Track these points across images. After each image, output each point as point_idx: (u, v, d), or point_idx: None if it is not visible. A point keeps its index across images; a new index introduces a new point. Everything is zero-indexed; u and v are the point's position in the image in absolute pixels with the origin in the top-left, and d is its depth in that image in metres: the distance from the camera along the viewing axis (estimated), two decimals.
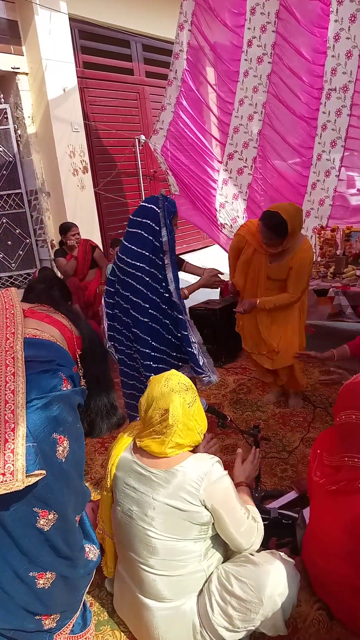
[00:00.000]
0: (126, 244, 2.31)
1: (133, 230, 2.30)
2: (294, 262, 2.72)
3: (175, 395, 1.47)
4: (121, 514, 1.54)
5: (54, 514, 1.19)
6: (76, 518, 1.34)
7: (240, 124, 4.42)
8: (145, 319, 2.27)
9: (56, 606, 1.29)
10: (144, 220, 2.27)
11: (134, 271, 2.26)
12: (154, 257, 2.25)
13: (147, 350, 2.29)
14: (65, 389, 1.24)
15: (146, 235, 2.25)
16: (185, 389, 1.50)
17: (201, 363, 2.31)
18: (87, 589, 1.45)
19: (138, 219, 2.29)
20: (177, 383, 1.50)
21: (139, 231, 2.27)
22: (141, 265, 2.25)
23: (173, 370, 1.61)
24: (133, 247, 2.28)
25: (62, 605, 1.32)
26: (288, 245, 2.71)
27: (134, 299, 2.28)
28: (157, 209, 2.25)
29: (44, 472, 1.11)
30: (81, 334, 1.48)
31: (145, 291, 2.26)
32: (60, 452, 1.19)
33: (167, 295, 2.28)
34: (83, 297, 4.63)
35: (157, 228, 2.24)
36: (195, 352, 2.29)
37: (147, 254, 2.25)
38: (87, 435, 1.47)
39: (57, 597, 1.27)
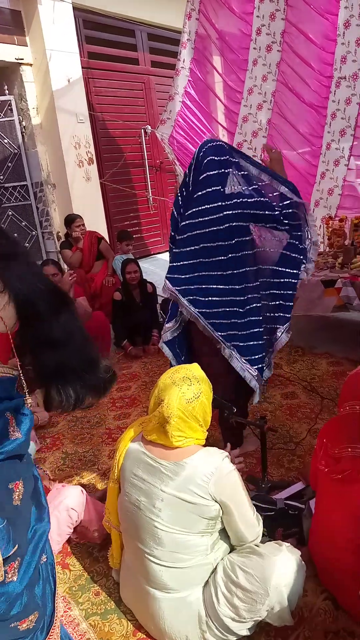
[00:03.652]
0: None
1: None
2: None
3: (175, 388, 1.45)
4: (128, 504, 1.53)
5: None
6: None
7: (249, 113, 4.37)
8: None
9: None
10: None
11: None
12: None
13: None
14: None
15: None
16: (189, 384, 1.46)
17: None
18: None
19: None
20: (182, 377, 1.48)
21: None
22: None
23: (194, 364, 1.57)
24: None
25: None
26: None
27: None
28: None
29: None
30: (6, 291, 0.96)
31: None
32: None
33: None
34: (89, 289, 4.63)
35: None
36: None
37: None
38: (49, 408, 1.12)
39: None
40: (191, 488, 1.41)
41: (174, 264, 2.14)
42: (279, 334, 2.27)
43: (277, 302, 2.27)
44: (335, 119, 3.95)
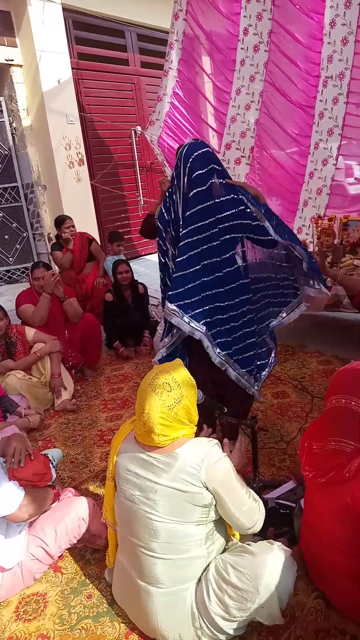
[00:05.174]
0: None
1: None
2: None
3: (155, 397, 1.43)
4: (123, 500, 1.54)
5: None
6: None
7: (237, 114, 4.38)
8: None
9: None
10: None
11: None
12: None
13: None
14: None
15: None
16: (169, 389, 1.44)
17: None
18: None
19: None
20: (162, 383, 1.45)
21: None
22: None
23: (175, 362, 1.57)
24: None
25: None
26: None
27: None
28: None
29: None
30: None
31: None
32: None
33: None
34: (80, 290, 4.62)
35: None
36: None
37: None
38: None
39: None
40: (183, 477, 1.43)
41: (180, 290, 2.06)
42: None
43: (271, 309, 2.35)
44: (322, 118, 3.97)
